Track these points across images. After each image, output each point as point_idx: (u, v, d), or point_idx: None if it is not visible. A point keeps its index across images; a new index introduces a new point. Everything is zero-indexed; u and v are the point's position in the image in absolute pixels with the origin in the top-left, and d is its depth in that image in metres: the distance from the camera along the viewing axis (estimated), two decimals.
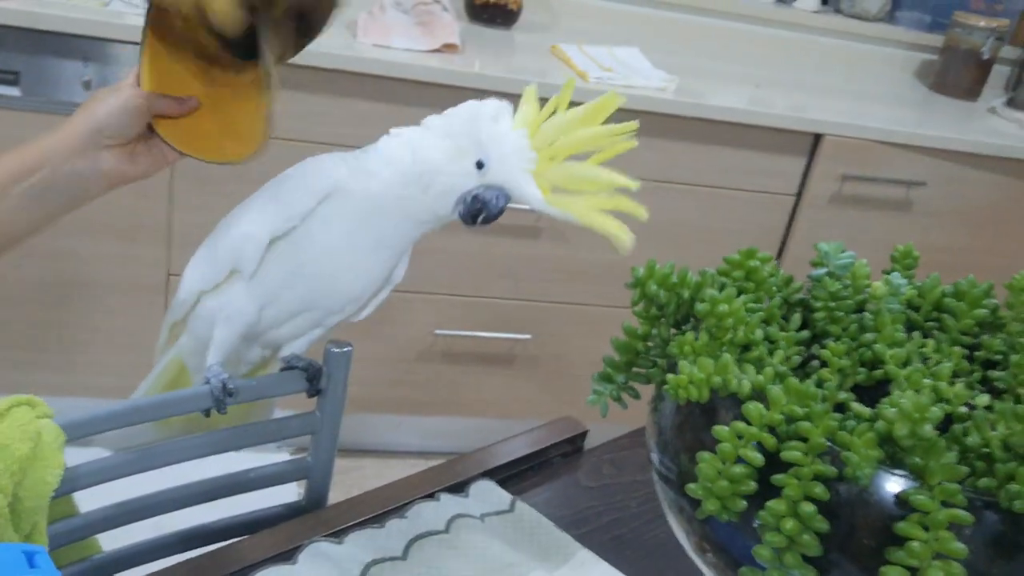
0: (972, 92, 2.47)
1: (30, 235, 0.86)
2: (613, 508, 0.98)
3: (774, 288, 0.63)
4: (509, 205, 0.77)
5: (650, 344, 0.65)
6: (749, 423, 0.51)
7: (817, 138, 2.05)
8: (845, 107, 2.21)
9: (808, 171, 2.09)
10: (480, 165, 0.76)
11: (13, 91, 1.69)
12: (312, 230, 0.80)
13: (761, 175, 2.08)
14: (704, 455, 0.52)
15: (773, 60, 2.46)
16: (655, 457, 0.66)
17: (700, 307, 0.56)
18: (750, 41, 2.46)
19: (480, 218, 0.77)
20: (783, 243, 2.16)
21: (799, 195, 2.12)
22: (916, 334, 0.62)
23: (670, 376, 0.54)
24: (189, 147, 0.86)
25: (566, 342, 2.16)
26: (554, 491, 1.00)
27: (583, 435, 1.07)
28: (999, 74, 2.57)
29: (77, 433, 0.84)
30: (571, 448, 1.06)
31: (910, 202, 2.16)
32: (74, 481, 0.85)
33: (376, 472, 2.06)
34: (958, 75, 2.46)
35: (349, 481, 1.90)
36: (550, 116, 0.75)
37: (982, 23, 2.38)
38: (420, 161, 0.77)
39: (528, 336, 2.13)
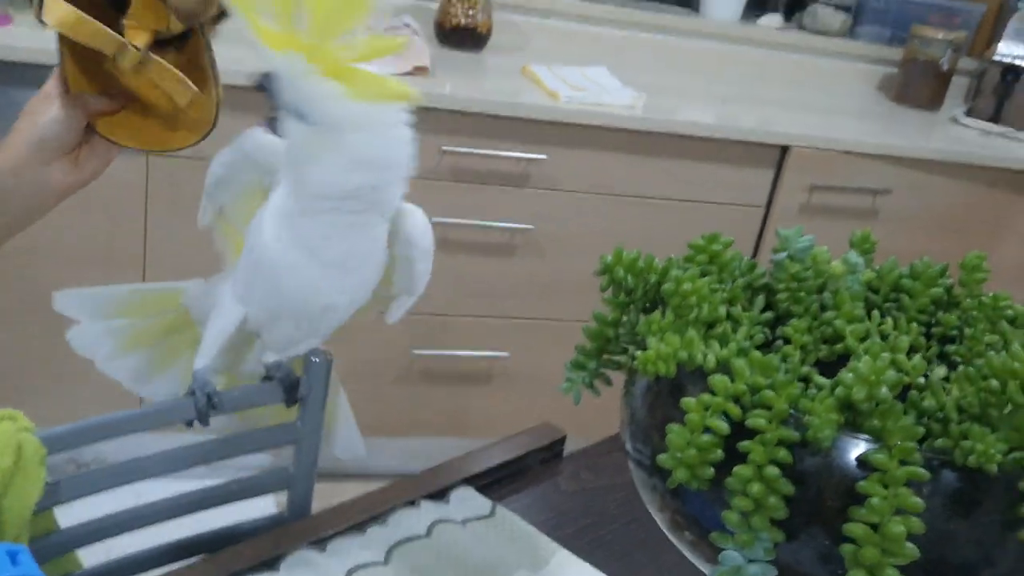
0: (933, 102, 2.52)
1: None
2: (592, 511, 0.99)
3: (737, 272, 0.65)
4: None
5: (620, 331, 0.66)
6: (715, 394, 0.53)
7: (784, 150, 2.09)
8: (811, 120, 2.25)
9: (776, 182, 2.13)
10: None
11: None
12: (251, 230, 0.80)
13: (731, 188, 2.11)
14: (673, 427, 0.54)
15: (739, 76, 2.50)
16: (628, 443, 0.68)
17: (666, 287, 0.58)
18: (716, 58, 2.50)
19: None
20: (755, 254, 2.19)
21: (768, 206, 2.15)
22: (875, 313, 0.65)
23: (639, 352, 0.56)
24: (133, 140, 0.83)
25: (544, 358, 2.18)
26: (534, 496, 1.01)
27: (561, 440, 1.08)
28: (959, 84, 2.63)
29: (58, 446, 0.85)
30: (549, 454, 1.07)
31: (877, 210, 2.20)
32: (55, 495, 0.85)
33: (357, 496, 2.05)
34: (919, 86, 2.51)
35: (330, 505, 1.89)
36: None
37: (940, 35, 2.44)
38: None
39: (506, 353, 2.14)
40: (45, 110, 0.79)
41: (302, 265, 0.77)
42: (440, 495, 0.96)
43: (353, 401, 2.09)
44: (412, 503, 0.94)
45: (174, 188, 1.80)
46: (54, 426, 0.86)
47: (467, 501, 0.95)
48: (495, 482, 1.01)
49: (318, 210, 0.74)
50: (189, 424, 0.89)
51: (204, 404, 0.86)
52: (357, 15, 0.64)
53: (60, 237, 1.79)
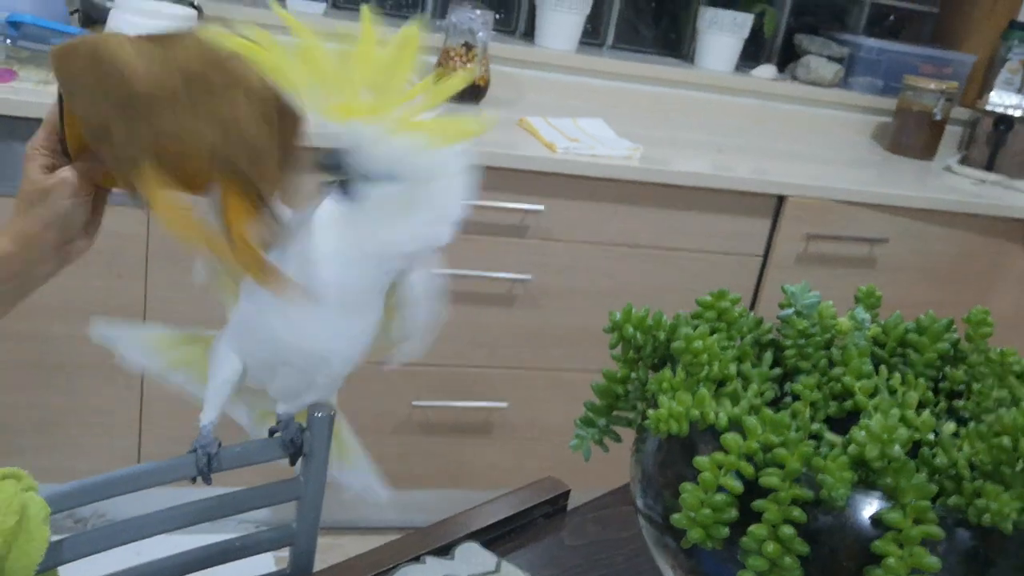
0: (927, 151, 2.55)
1: None
2: (599, 565, 0.98)
3: (745, 328, 0.66)
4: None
5: (629, 388, 0.67)
6: (728, 453, 0.53)
7: (780, 200, 2.11)
8: (806, 169, 2.27)
9: (773, 232, 2.14)
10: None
11: None
12: (244, 286, 0.81)
13: (728, 237, 2.12)
14: (687, 486, 0.54)
15: (734, 127, 2.53)
16: (639, 500, 0.67)
17: (676, 345, 0.59)
18: (711, 109, 2.53)
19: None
20: (753, 303, 2.20)
21: (766, 256, 2.16)
22: (883, 369, 0.65)
23: (651, 411, 0.56)
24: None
25: (543, 408, 2.17)
26: (539, 551, 1.00)
27: (566, 495, 1.08)
28: (952, 134, 2.66)
29: (62, 505, 0.84)
30: (554, 508, 1.07)
31: (874, 259, 2.21)
32: (58, 555, 0.85)
33: (357, 549, 2.02)
34: (912, 136, 2.54)
35: (330, 560, 1.87)
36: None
37: (932, 86, 2.48)
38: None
39: (505, 404, 2.14)
40: (58, 200, 0.78)
41: (309, 314, 0.77)
42: (445, 550, 0.95)
43: None
44: (417, 559, 0.93)
45: (175, 240, 1.80)
46: (54, 480, 0.86)
47: (472, 556, 0.94)
48: (500, 536, 1.00)
49: (365, 265, 0.75)
50: (192, 480, 0.89)
51: (205, 464, 0.87)
52: (407, 69, 0.65)
53: (60, 289, 1.79)
